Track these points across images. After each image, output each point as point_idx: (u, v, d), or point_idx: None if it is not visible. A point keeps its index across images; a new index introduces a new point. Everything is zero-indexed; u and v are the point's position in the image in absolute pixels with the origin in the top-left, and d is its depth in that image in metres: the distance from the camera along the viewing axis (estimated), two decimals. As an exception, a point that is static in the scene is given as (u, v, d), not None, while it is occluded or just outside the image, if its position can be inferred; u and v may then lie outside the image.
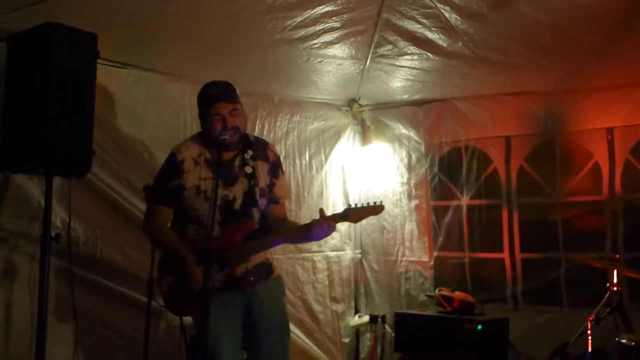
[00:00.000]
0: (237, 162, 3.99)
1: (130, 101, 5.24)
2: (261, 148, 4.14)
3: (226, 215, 3.90)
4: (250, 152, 4.04)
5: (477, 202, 6.55)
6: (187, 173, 3.92)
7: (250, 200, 3.99)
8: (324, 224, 3.81)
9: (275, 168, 4.15)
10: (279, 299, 4.17)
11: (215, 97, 3.89)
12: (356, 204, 3.96)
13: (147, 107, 5.37)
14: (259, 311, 3.99)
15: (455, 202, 6.69)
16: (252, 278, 3.93)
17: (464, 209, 6.62)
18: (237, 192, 3.96)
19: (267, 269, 4.08)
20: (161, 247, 4.14)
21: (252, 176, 4.00)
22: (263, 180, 4.05)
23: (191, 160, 3.94)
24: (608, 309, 4.93)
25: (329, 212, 3.88)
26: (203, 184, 3.90)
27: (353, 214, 3.94)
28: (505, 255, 6.38)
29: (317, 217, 3.87)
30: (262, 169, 4.07)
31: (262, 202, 4.06)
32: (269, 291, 4.06)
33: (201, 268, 3.66)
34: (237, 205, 3.96)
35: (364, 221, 6.93)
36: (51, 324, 4.18)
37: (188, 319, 4.36)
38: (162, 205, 4.02)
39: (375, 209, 3.95)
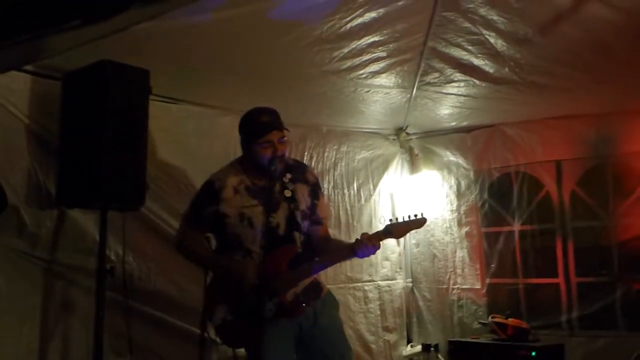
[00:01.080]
0: (277, 187, 3.94)
1: (181, 135, 5.33)
2: (300, 171, 4.11)
3: (271, 242, 3.86)
4: (289, 176, 3.99)
5: (529, 227, 6.49)
6: (227, 201, 3.90)
7: (293, 225, 3.95)
8: (368, 243, 3.76)
9: (316, 190, 4.12)
10: (332, 312, 4.08)
11: (268, 125, 3.86)
12: (397, 218, 3.88)
13: (198, 141, 5.44)
14: (312, 329, 3.91)
15: (506, 228, 6.63)
16: (303, 304, 3.87)
17: (516, 235, 6.56)
18: (280, 217, 3.92)
19: (315, 288, 4.01)
20: (200, 258, 4.12)
21: (292, 199, 3.96)
22: (304, 202, 4.02)
23: (231, 189, 3.92)
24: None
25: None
26: (247, 211, 3.88)
27: (396, 229, 3.87)
28: (560, 280, 6.30)
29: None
30: (302, 191, 4.03)
31: (305, 225, 4.02)
32: (320, 308, 3.98)
33: (255, 272, 3.72)
34: (281, 230, 3.92)
35: (414, 249, 7.05)
36: (107, 357, 4.23)
37: (241, 350, 4.39)
38: (194, 229, 4.02)
39: (417, 222, 3.87)
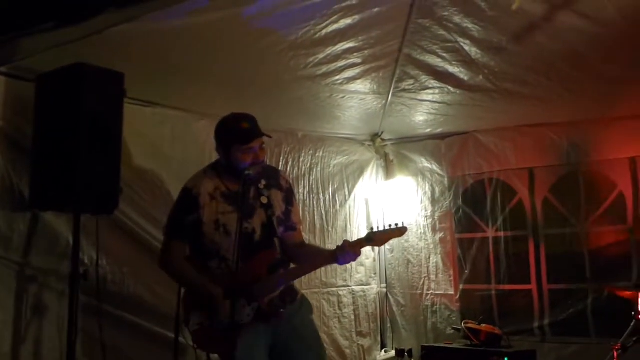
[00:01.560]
0: (252, 194, 3.98)
1: (156, 139, 5.32)
2: (274, 177, 4.14)
3: (247, 248, 3.84)
4: (264, 182, 4.03)
5: (502, 234, 6.54)
6: (204, 208, 3.92)
7: (270, 231, 3.98)
8: (350, 250, 3.79)
9: (289, 196, 4.15)
10: (307, 316, 4.12)
11: (251, 132, 3.88)
12: (378, 227, 3.91)
13: (173, 145, 5.44)
14: (285, 331, 3.94)
15: (480, 235, 6.68)
16: (281, 310, 3.90)
17: (490, 241, 6.61)
18: (256, 223, 3.96)
19: (290, 293, 4.05)
20: (183, 282, 4.11)
21: (269, 206, 3.99)
22: (279, 208, 4.05)
23: (207, 195, 3.94)
24: (635, 338, 4.89)
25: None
26: (222, 218, 3.90)
27: (377, 237, 3.90)
28: (532, 286, 6.36)
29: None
30: (277, 197, 4.07)
31: (280, 230, 4.05)
32: (295, 312, 4.02)
33: (228, 303, 3.69)
34: (257, 237, 3.96)
35: (389, 255, 7.09)
36: (80, 360, 4.21)
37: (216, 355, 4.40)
38: (178, 240, 4.02)
39: (399, 231, 3.91)
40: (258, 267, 3.88)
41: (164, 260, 4.10)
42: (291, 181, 4.43)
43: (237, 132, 3.90)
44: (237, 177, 3.85)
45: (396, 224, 3.89)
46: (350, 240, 3.86)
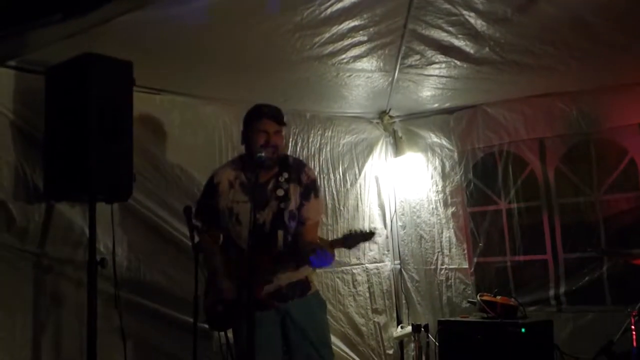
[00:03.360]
0: (270, 186, 4.10)
1: (166, 126, 5.35)
2: (296, 171, 4.22)
3: (256, 239, 3.91)
4: (285, 175, 4.14)
5: (515, 205, 6.54)
6: (221, 195, 4.06)
7: (278, 223, 4.08)
8: (320, 251, 3.89)
9: (308, 191, 4.21)
10: (316, 314, 4.24)
11: (265, 114, 4.07)
12: (355, 231, 4.02)
13: (183, 131, 5.47)
14: (292, 327, 4.10)
15: (493, 207, 6.69)
16: (275, 302, 4.04)
17: (504, 213, 6.61)
18: (267, 215, 4.07)
19: (302, 286, 4.18)
20: (209, 266, 4.26)
21: (283, 199, 4.09)
22: (294, 203, 4.14)
23: (226, 182, 4.10)
24: (651, 304, 4.92)
25: (366, 226, 3.92)
26: (235, 206, 4.02)
27: (350, 240, 4.01)
28: (548, 256, 6.35)
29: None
30: (295, 191, 4.16)
31: (292, 225, 4.14)
32: (303, 308, 4.15)
33: (232, 286, 3.91)
34: (267, 228, 4.08)
35: (401, 232, 7.10)
36: (100, 348, 4.24)
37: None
38: (204, 225, 4.17)
39: (366, 236, 4.01)
40: (261, 258, 3.96)
41: (199, 245, 4.20)
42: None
43: (254, 113, 4.13)
44: (255, 160, 3.96)
45: (368, 230, 4.02)
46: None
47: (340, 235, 4.14)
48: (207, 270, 4.26)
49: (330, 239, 4.08)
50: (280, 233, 4.08)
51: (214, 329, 4.25)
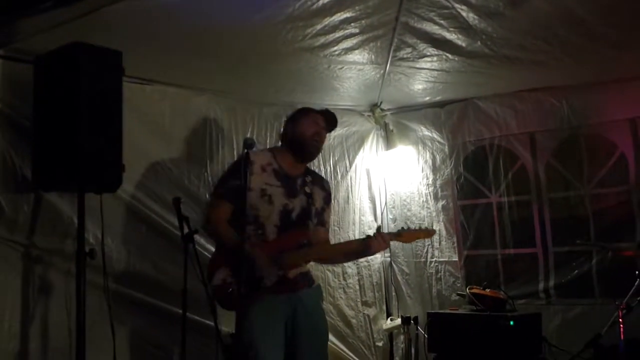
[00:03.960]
0: (299, 181, 4.28)
1: (156, 116, 5.33)
2: (319, 179, 4.50)
3: (284, 222, 4.16)
4: (310, 178, 4.35)
5: (506, 199, 6.56)
6: (254, 175, 4.10)
7: (307, 215, 4.25)
8: (381, 243, 4.09)
9: (328, 197, 4.48)
10: (320, 304, 4.41)
11: (320, 112, 4.38)
12: (409, 227, 4.29)
13: (173, 122, 5.46)
14: (303, 317, 4.15)
15: (483, 200, 6.70)
16: (301, 282, 4.19)
17: (494, 207, 6.63)
18: (297, 204, 4.21)
19: (309, 278, 4.33)
20: (222, 240, 4.24)
21: (310, 196, 4.28)
22: (318, 203, 4.34)
23: (259, 166, 4.18)
24: (639, 298, 4.93)
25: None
26: (269, 189, 4.14)
27: (406, 235, 4.26)
28: (538, 249, 6.38)
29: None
30: (319, 194, 4.37)
31: (315, 221, 4.31)
32: (312, 298, 4.28)
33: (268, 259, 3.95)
34: (295, 215, 4.21)
35: (392, 225, 7.10)
36: (89, 339, 4.24)
37: (224, 329, 4.45)
38: (225, 199, 4.18)
39: (427, 232, 4.35)
40: (291, 240, 4.13)
41: (208, 218, 4.33)
42: None
43: (310, 110, 4.42)
44: (294, 158, 4.28)
45: (426, 227, 4.37)
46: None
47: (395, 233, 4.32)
48: (219, 242, 4.28)
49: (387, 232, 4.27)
50: (310, 223, 4.27)
51: (220, 305, 4.21)
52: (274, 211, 4.13)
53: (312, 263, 4.48)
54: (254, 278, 3.91)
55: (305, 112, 4.41)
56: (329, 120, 4.40)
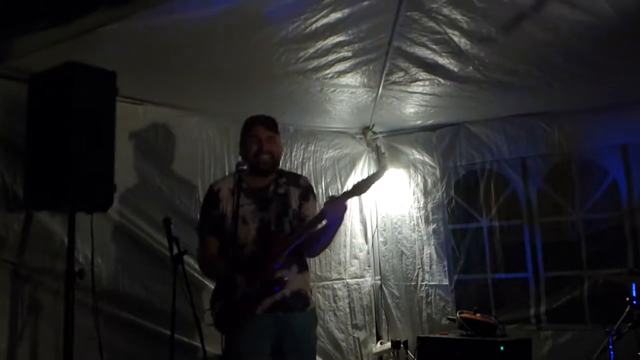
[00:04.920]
0: (271, 187, 4.21)
1: (148, 136, 5.33)
2: (294, 178, 4.40)
3: (264, 237, 4.10)
4: (283, 179, 4.27)
5: (497, 223, 6.58)
6: (224, 202, 4.12)
7: (284, 219, 4.16)
8: (334, 203, 3.93)
9: (306, 192, 4.34)
10: (310, 332, 4.28)
11: (256, 122, 4.22)
12: (358, 181, 4.01)
13: (166, 142, 5.46)
14: (288, 345, 4.08)
15: (474, 225, 6.71)
16: (293, 304, 4.07)
17: (485, 231, 6.64)
18: (272, 213, 4.15)
19: (303, 299, 4.18)
20: (218, 276, 4.22)
21: (285, 197, 4.21)
22: (295, 202, 4.24)
23: (227, 190, 4.16)
24: (630, 324, 4.93)
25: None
26: (241, 210, 4.03)
27: (359, 186, 3.98)
28: (528, 275, 6.40)
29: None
30: (294, 193, 4.26)
31: (294, 223, 4.20)
32: (301, 325, 4.16)
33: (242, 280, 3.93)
34: (273, 226, 4.14)
35: (382, 247, 7.10)
36: (77, 359, 4.20)
37: (211, 351, 4.43)
38: (211, 235, 4.17)
39: (377, 175, 4.04)
40: (271, 248, 4.02)
41: (202, 259, 4.29)
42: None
43: (247, 123, 4.26)
44: (256, 174, 4.15)
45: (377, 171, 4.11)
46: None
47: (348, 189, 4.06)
48: (217, 277, 4.25)
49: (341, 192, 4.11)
50: (287, 221, 4.17)
51: (221, 331, 4.18)
52: (251, 230, 4.09)
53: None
54: (242, 297, 3.90)
55: (245, 129, 4.27)
56: (269, 124, 4.24)
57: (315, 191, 6.44)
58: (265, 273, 3.96)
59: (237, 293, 3.94)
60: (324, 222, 4.04)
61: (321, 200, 6.53)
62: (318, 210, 4.17)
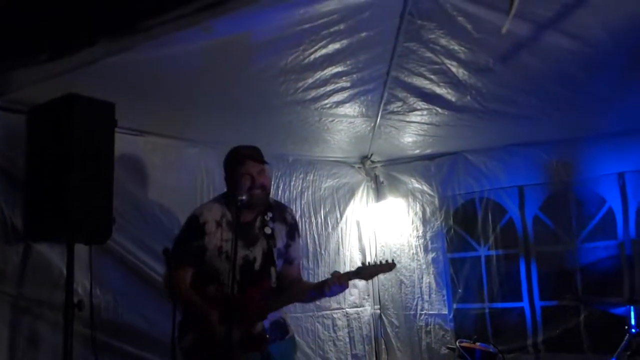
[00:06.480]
0: (257, 224, 4.11)
1: (148, 168, 5.33)
2: (280, 211, 4.28)
3: (246, 275, 4.01)
4: (269, 214, 4.16)
5: (494, 252, 6.57)
6: (209, 235, 4.05)
7: (269, 260, 4.09)
8: (337, 283, 3.92)
9: (293, 230, 4.28)
10: (291, 355, 4.27)
11: (247, 156, 4.09)
12: (369, 262, 4.08)
13: (165, 173, 5.45)
14: None
15: (472, 253, 6.71)
16: (267, 336, 3.99)
17: (482, 260, 6.64)
18: (257, 252, 4.07)
19: (281, 328, 4.17)
20: (183, 306, 4.15)
21: (271, 237, 4.12)
22: (280, 241, 4.18)
23: (213, 222, 4.08)
24: (628, 353, 4.91)
25: (346, 269, 3.95)
26: (225, 245, 4.00)
27: (365, 272, 4.05)
28: (524, 304, 6.37)
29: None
30: (280, 231, 4.19)
31: (279, 263, 4.16)
32: (283, 352, 4.14)
33: (222, 327, 3.78)
34: (257, 265, 4.08)
35: (381, 276, 7.07)
36: (76, 391, 4.19)
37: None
38: (184, 264, 4.11)
39: (387, 266, 4.08)
40: (252, 294, 3.97)
41: (169, 286, 4.16)
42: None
43: (235, 157, 4.14)
44: (246, 207, 3.96)
45: (386, 260, 4.09)
46: (340, 272, 3.97)
47: (352, 269, 4.13)
48: (185, 308, 4.15)
49: (345, 272, 4.06)
50: (273, 270, 4.10)
51: None
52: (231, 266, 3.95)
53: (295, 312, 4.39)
54: (220, 340, 3.79)
55: (233, 165, 4.16)
56: (257, 157, 4.14)
57: (310, 219, 6.58)
58: (250, 326, 3.92)
59: (213, 331, 3.85)
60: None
61: (314, 229, 6.63)
62: (301, 246, 4.19)
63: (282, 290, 4.14)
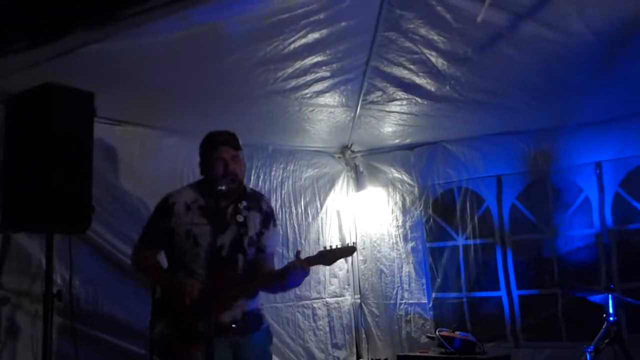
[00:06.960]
0: (229, 210, 4.03)
1: (127, 157, 5.30)
2: (255, 200, 4.20)
3: (213, 262, 3.93)
4: (244, 203, 4.07)
5: (472, 241, 6.61)
6: (177, 216, 3.99)
7: (237, 248, 4.02)
8: (299, 268, 3.84)
9: (268, 219, 4.20)
10: (267, 350, 4.19)
11: (220, 141, 4.03)
12: (330, 246, 4.00)
13: (144, 162, 5.43)
14: (244, 354, 3.97)
15: (451, 243, 6.74)
16: (234, 326, 3.93)
17: (460, 249, 6.67)
18: (226, 239, 4.00)
19: (256, 319, 4.11)
20: (150, 277, 4.21)
21: (243, 225, 4.03)
22: (253, 229, 4.10)
23: (183, 205, 4.02)
24: (607, 341, 4.96)
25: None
26: (194, 228, 3.96)
27: (328, 255, 3.99)
28: (502, 293, 6.42)
29: (318, 265, 3.95)
30: (254, 219, 4.12)
31: (251, 252, 4.09)
32: (256, 344, 4.07)
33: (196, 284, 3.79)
34: (224, 252, 4.00)
35: (362, 266, 7.11)
36: (55, 381, 4.18)
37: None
38: (147, 244, 4.12)
39: (349, 250, 4.03)
40: (220, 282, 3.90)
41: (133, 262, 4.26)
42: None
43: (209, 142, 4.08)
44: (216, 190, 3.88)
45: (347, 244, 4.04)
46: (301, 253, 3.94)
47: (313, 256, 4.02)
48: (153, 284, 4.16)
49: (306, 257, 4.01)
50: (240, 257, 4.03)
51: (159, 357, 4.14)
52: (201, 252, 3.94)
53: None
54: (190, 328, 3.77)
55: (208, 149, 4.07)
56: (233, 142, 4.07)
57: (290, 209, 6.58)
58: (218, 315, 3.82)
59: (183, 319, 3.82)
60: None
61: (294, 219, 6.64)
62: (278, 235, 4.12)
63: (253, 280, 4.07)
